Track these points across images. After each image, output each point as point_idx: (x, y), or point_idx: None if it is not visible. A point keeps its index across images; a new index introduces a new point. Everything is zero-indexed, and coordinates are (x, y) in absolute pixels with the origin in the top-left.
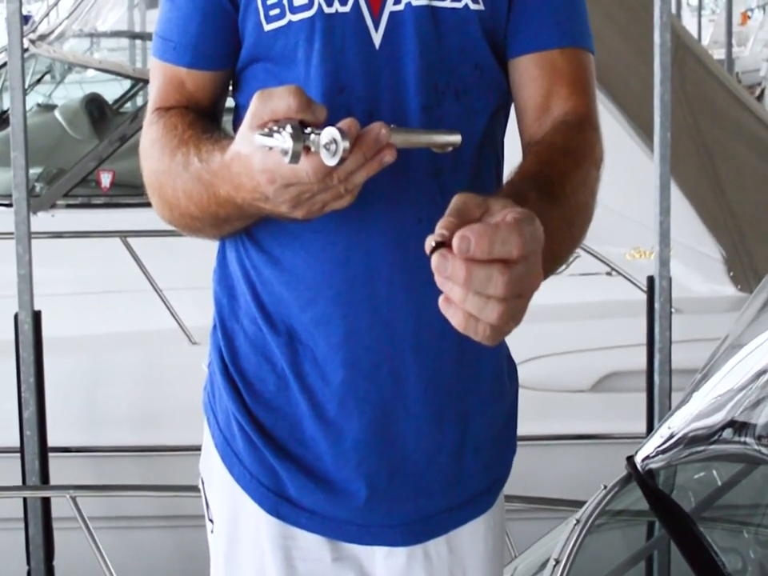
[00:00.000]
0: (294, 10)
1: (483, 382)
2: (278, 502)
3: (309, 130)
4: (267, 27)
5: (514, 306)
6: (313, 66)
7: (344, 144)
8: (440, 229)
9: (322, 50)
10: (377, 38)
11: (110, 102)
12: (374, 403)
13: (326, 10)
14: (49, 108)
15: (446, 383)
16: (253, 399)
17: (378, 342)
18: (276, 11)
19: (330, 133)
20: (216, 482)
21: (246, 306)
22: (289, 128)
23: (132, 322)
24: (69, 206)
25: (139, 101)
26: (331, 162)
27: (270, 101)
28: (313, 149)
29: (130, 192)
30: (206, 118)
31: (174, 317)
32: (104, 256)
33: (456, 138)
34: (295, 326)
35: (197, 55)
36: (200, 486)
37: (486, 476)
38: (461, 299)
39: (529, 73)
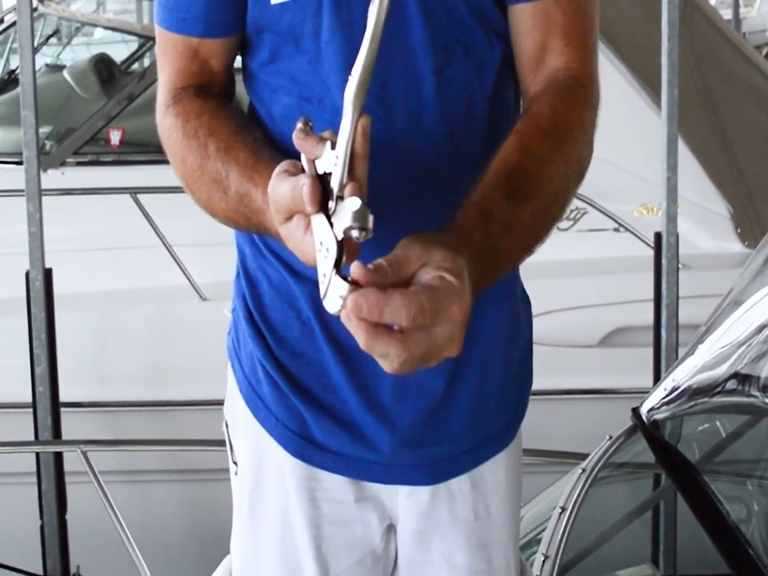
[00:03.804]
0: None
1: (500, 323)
2: (303, 444)
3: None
4: (274, 1)
5: (419, 359)
6: (323, 42)
7: (371, 219)
8: (373, 266)
9: (331, 26)
10: None
11: (118, 63)
12: None
13: None
14: (57, 68)
15: (468, 329)
16: (278, 345)
17: None
18: None
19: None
20: (241, 426)
21: (269, 255)
22: (335, 280)
23: (142, 278)
24: (79, 163)
25: (146, 61)
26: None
27: (282, 200)
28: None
29: (139, 149)
30: (218, 107)
31: (184, 273)
32: (114, 213)
33: None
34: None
35: (208, 24)
36: (224, 429)
37: (505, 414)
38: (366, 348)
39: (524, 23)
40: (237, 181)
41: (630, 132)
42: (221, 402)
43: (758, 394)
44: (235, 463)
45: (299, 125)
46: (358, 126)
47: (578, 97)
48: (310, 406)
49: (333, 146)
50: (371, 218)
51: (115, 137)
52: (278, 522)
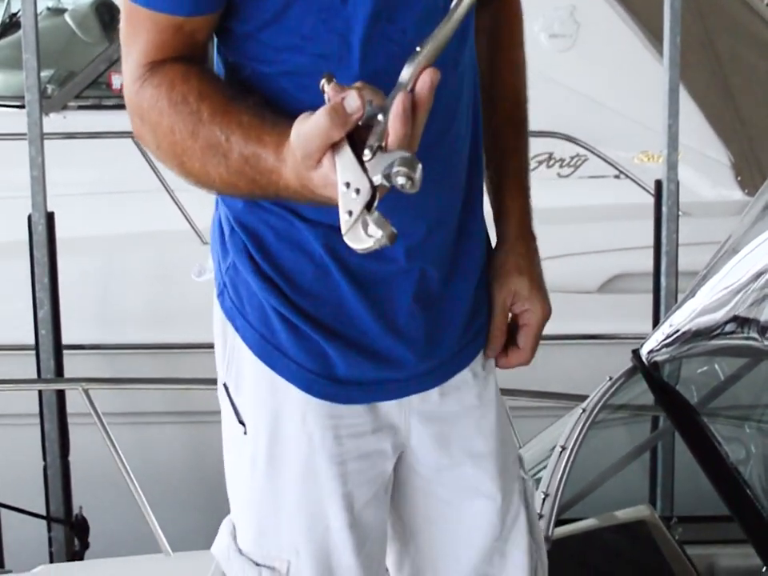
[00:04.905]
0: None
1: (479, 241)
2: (326, 384)
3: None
4: None
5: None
6: None
7: (419, 169)
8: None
9: None
10: None
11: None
12: (413, 279)
13: None
14: (59, 12)
15: (458, 244)
16: (293, 291)
17: (415, 228)
18: None
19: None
20: (248, 384)
21: (271, 205)
22: (371, 216)
23: (144, 222)
24: (80, 107)
25: None
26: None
27: (312, 138)
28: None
29: None
30: (204, 72)
31: (185, 217)
32: (116, 157)
33: None
34: (333, 223)
35: (198, 3)
36: (223, 393)
37: (483, 309)
38: None
39: None
40: (241, 143)
41: (631, 79)
42: None
43: (756, 336)
44: (242, 423)
45: (324, 80)
46: (427, 77)
47: (519, 16)
48: (333, 341)
49: (368, 102)
50: (420, 168)
51: (117, 81)
52: (301, 468)
